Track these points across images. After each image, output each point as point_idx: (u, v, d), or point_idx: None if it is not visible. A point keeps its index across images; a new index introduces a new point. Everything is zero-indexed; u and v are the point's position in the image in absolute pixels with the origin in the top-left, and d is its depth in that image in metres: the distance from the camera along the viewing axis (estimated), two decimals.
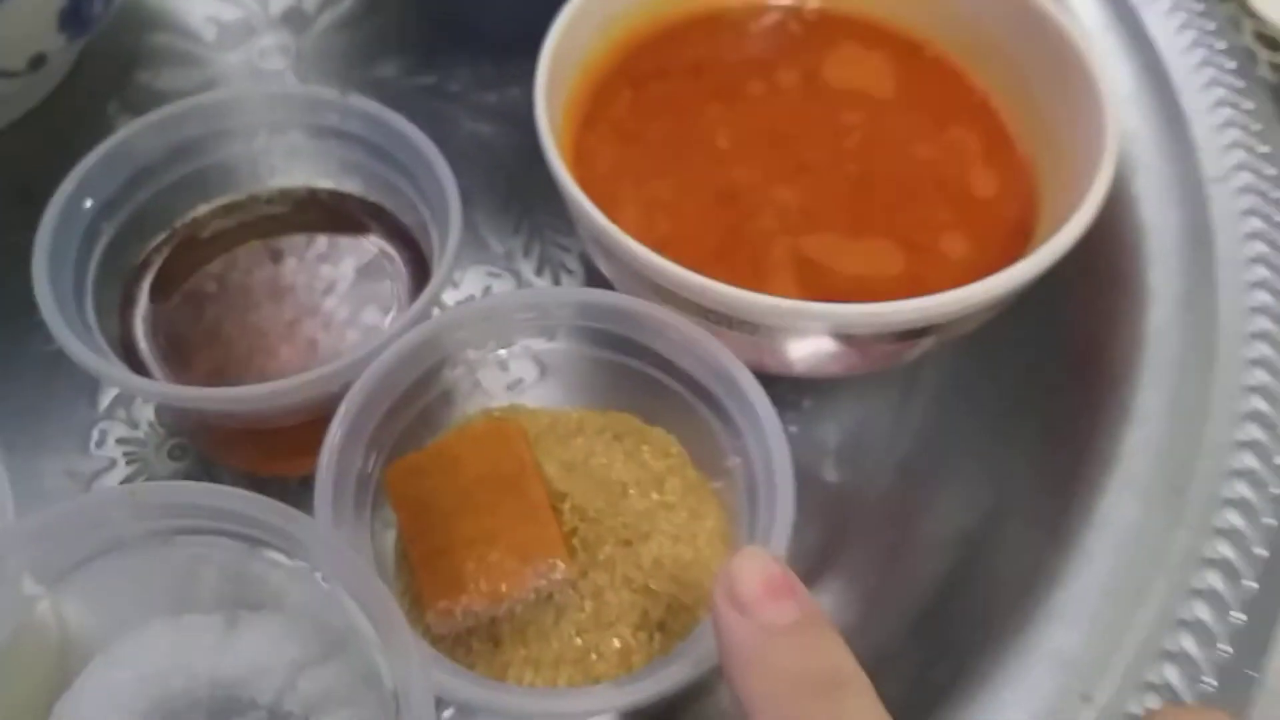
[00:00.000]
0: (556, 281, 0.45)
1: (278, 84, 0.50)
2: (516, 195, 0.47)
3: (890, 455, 0.40)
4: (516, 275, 0.45)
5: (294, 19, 0.53)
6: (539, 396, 0.39)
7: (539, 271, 0.45)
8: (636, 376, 0.38)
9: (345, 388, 0.33)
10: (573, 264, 0.46)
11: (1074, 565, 0.31)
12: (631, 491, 0.34)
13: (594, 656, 0.31)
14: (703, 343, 0.34)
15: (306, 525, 0.28)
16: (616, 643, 0.32)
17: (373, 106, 0.39)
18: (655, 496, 0.35)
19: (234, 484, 0.39)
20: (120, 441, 0.40)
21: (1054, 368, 0.39)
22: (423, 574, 0.31)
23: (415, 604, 0.33)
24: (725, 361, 0.34)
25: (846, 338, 0.35)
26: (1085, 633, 0.30)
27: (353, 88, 0.40)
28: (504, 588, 0.30)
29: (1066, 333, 0.40)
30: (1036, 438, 0.38)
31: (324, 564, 0.28)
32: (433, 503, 0.32)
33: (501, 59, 0.51)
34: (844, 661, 0.24)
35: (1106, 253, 0.40)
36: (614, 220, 0.35)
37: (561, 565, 0.31)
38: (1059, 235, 0.34)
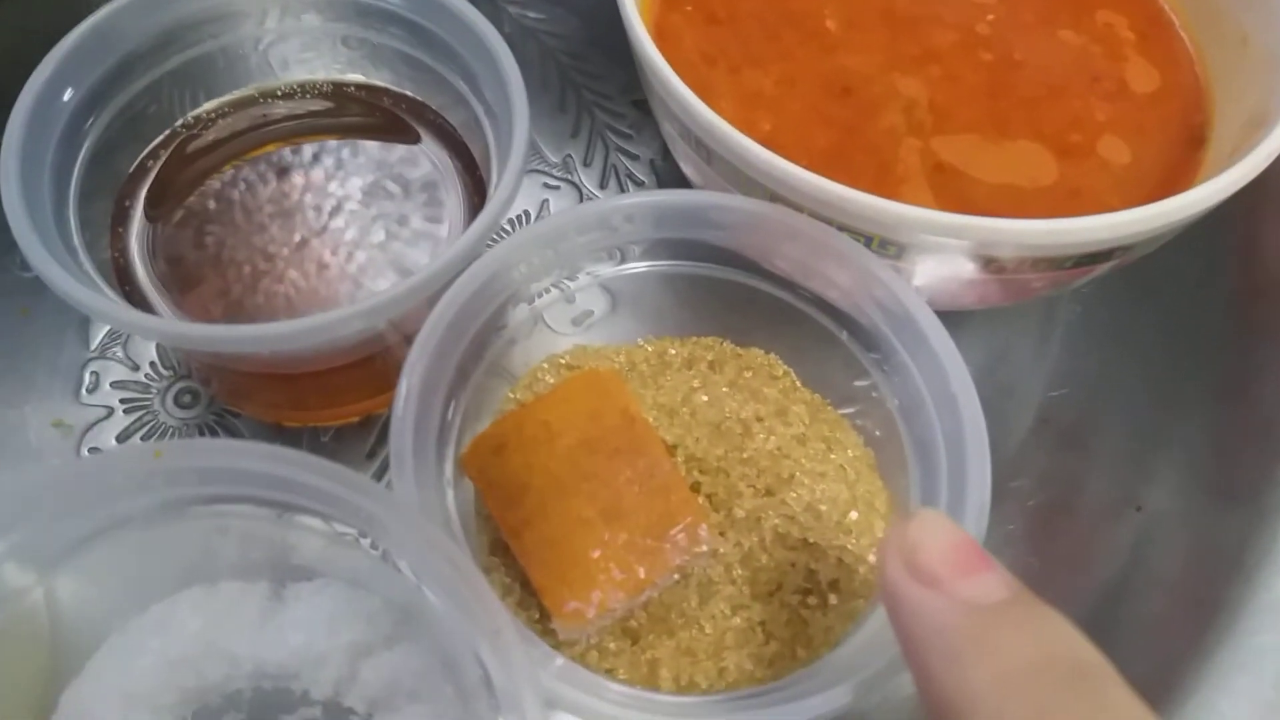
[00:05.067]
0: (624, 193, 0.38)
1: None
2: (572, 93, 0.40)
3: (1029, 400, 0.34)
4: (577, 187, 0.39)
5: None
6: (611, 331, 0.33)
7: (603, 183, 0.39)
8: (728, 290, 0.32)
9: (392, 326, 0.27)
10: (642, 173, 0.39)
11: None
12: (755, 428, 0.29)
13: (761, 637, 0.26)
14: (842, 248, 0.28)
15: (385, 501, 0.22)
16: (785, 615, 0.26)
17: None
18: (784, 430, 0.29)
19: (253, 437, 0.33)
20: (117, 385, 0.34)
21: (1227, 301, 0.33)
22: (535, 571, 0.25)
23: (521, 606, 0.27)
24: (875, 269, 0.28)
25: (1004, 262, 0.28)
26: None
27: None
28: (643, 573, 0.25)
29: (1240, 258, 0.34)
30: (1210, 386, 0.32)
31: (408, 549, 0.23)
32: (529, 483, 0.26)
33: None
34: (1085, 646, 0.19)
35: None
36: None
37: (706, 530, 0.25)
38: (1270, 137, 0.28)
